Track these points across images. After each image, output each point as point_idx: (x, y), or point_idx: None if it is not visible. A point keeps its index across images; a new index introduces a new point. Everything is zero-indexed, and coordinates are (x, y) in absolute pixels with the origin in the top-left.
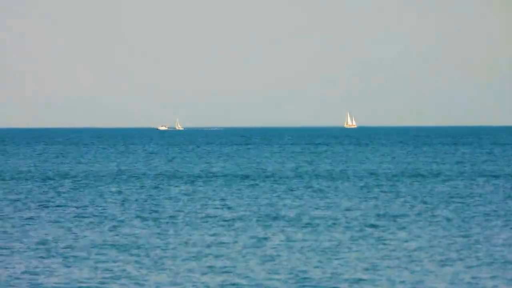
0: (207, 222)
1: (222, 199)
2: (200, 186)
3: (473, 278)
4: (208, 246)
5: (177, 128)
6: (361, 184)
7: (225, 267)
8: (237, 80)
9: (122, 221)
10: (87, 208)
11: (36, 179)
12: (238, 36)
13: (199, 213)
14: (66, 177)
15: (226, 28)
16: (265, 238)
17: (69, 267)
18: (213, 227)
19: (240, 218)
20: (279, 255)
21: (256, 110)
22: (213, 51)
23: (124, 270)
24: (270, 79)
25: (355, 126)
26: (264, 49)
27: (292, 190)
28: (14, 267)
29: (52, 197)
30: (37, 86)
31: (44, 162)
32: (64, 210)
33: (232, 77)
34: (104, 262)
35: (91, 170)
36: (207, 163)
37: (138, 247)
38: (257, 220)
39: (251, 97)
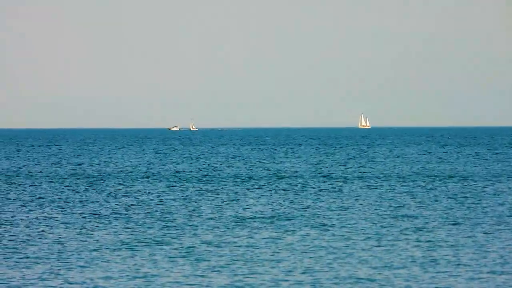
0: (222, 222)
1: (237, 199)
2: (214, 186)
3: (488, 278)
4: (223, 246)
5: (191, 128)
6: (377, 185)
7: (239, 268)
8: (249, 80)
9: (136, 221)
10: (101, 208)
11: (52, 179)
12: (246, 35)
13: (213, 213)
14: (81, 177)
15: (232, 27)
16: (280, 238)
17: (83, 267)
18: (228, 227)
19: (255, 218)
20: (293, 255)
21: (269, 111)
22: (221, 51)
23: (139, 270)
24: (284, 80)
25: (369, 127)
26: (267, 49)
27: (306, 191)
28: (29, 268)
29: (68, 197)
30: (37, 86)
31: (59, 162)
32: (78, 210)
33: (244, 77)
34: (118, 262)
35: (105, 170)
36: (222, 163)
37: (153, 247)
38: (272, 220)
39: (264, 97)
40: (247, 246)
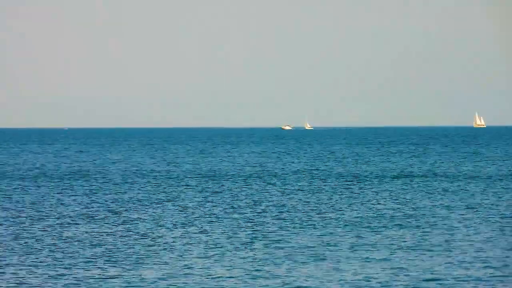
0: (340, 221)
1: (354, 198)
2: (331, 185)
3: None
4: (341, 246)
5: (306, 127)
6: (493, 185)
7: (360, 267)
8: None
9: (256, 220)
10: (218, 207)
11: (169, 179)
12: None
13: (332, 212)
14: (197, 177)
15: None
16: (397, 238)
17: (204, 267)
18: (346, 226)
19: (373, 218)
20: (411, 255)
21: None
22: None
23: (260, 269)
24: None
25: (484, 126)
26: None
27: (422, 190)
28: (149, 268)
29: (184, 196)
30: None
31: (176, 162)
32: (195, 209)
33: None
34: (239, 261)
35: (222, 170)
36: (337, 162)
37: (273, 246)
38: (389, 220)
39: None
40: (364, 245)
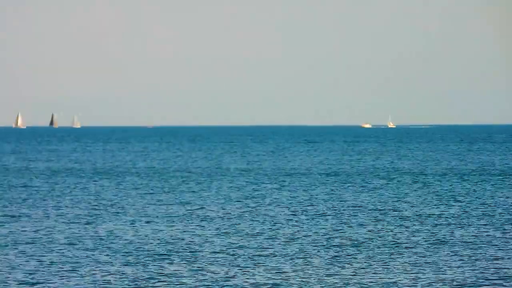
0: (445, 218)
1: (417, 196)
2: (397, 182)
3: None
4: (451, 243)
5: (389, 126)
6: None
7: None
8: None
9: (331, 218)
10: (298, 204)
11: (248, 177)
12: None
13: (436, 207)
14: (273, 174)
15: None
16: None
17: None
18: (450, 223)
19: (439, 216)
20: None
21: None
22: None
23: (337, 270)
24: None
25: None
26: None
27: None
28: (253, 267)
29: (262, 194)
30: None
31: (256, 161)
32: (276, 205)
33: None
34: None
35: (296, 167)
36: (411, 159)
37: (360, 246)
38: (461, 218)
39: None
40: (441, 242)
